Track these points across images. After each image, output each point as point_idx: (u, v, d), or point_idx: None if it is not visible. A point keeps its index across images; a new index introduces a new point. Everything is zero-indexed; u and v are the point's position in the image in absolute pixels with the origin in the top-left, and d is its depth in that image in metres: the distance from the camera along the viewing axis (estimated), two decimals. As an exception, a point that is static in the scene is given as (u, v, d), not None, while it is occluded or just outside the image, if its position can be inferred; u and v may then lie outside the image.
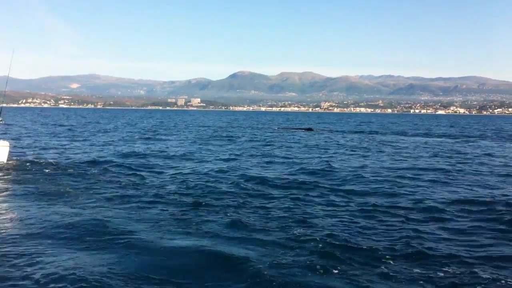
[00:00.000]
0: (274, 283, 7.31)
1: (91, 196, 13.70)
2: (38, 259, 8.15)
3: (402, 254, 8.83)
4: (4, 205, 12.46)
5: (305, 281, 7.41)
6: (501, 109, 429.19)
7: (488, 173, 20.21)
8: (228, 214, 11.66)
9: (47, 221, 10.63)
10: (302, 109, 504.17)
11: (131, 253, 8.60)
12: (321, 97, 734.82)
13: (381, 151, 30.32)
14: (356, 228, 10.63)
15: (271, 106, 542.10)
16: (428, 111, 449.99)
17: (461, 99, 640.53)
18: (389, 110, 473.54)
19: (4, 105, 23.13)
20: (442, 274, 7.87)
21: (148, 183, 16.34)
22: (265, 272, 7.64)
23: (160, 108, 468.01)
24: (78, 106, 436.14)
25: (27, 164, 19.87)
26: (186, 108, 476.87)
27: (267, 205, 12.90)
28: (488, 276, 7.76)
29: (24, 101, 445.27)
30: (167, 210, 12.13)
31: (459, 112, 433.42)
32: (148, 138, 40.15)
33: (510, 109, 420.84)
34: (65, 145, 31.30)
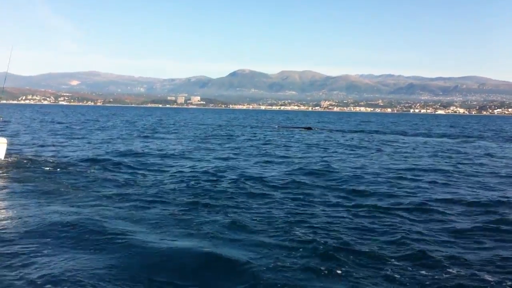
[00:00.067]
0: (274, 285, 7.21)
1: (89, 195, 13.58)
2: (34, 259, 8.03)
3: (404, 255, 8.75)
4: (1, 203, 12.33)
5: (306, 283, 7.31)
6: (501, 109, 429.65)
7: (489, 173, 20.12)
8: (228, 215, 11.56)
9: (45, 219, 10.49)
10: (302, 107, 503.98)
11: (130, 253, 8.49)
12: (321, 96, 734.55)
13: (380, 151, 30.25)
14: (357, 229, 10.54)
15: (271, 104, 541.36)
16: (428, 110, 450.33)
17: (461, 99, 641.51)
18: (389, 110, 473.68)
19: (4, 101, 23.08)
20: (445, 276, 7.79)
21: (147, 181, 16.23)
22: (266, 274, 7.54)
23: (160, 106, 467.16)
24: (78, 103, 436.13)
25: (25, 161, 19.70)
26: (186, 106, 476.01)
27: (267, 205, 12.80)
28: (491, 279, 7.69)
29: (24, 97, 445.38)
30: (166, 209, 12.01)
31: (459, 112, 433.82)
32: (147, 137, 39.99)
33: (510, 109, 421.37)
34: (63, 142, 31.17)
